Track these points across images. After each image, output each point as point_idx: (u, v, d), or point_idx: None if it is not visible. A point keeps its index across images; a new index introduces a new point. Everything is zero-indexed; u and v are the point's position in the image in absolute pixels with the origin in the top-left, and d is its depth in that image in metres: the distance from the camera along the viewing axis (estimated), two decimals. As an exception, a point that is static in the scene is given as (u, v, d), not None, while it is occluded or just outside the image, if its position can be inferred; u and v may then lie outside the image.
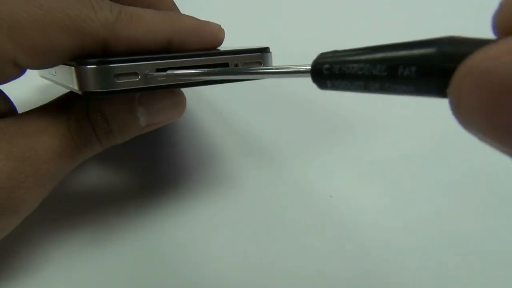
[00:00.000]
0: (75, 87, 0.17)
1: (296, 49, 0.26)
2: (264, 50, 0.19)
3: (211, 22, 0.20)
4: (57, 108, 0.19)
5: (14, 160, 0.17)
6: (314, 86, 0.12)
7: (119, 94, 0.17)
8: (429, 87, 0.09)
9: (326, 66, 0.11)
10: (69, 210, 0.24)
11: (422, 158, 0.27)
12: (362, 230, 0.23)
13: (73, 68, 0.16)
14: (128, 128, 0.20)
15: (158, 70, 0.17)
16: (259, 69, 0.15)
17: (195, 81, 0.18)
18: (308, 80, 0.12)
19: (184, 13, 0.21)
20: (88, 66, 0.16)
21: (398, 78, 0.09)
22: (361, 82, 0.10)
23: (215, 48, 0.20)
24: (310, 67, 0.12)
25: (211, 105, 0.29)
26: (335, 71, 0.11)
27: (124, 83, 0.17)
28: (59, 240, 0.22)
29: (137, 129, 0.20)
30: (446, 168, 0.26)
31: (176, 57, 0.17)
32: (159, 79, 0.17)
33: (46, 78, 0.23)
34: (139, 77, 0.17)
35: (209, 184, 0.25)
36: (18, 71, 0.17)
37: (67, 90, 0.20)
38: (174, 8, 0.23)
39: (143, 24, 0.18)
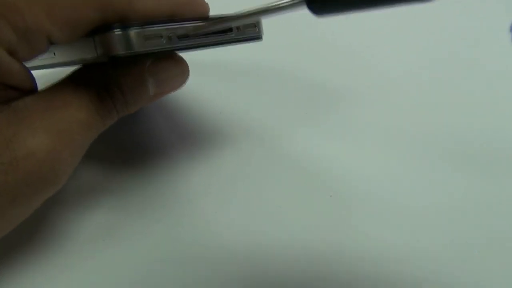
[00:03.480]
0: (100, 54, 0.18)
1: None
2: None
3: None
4: (75, 83, 0.20)
5: (51, 134, 0.18)
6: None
7: (145, 57, 0.19)
8: None
9: None
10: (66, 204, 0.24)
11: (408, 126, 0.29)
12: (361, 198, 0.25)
13: (98, 36, 0.18)
14: (140, 98, 0.22)
15: (178, 33, 0.19)
16: (258, 9, 0.17)
17: (208, 43, 0.20)
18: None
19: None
20: (120, 31, 0.18)
21: None
22: None
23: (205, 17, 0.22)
24: None
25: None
26: None
27: (151, 44, 0.18)
28: (59, 237, 0.23)
29: (147, 99, 0.22)
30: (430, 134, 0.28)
31: (192, 22, 0.19)
32: (179, 40, 0.19)
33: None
34: (163, 39, 0.19)
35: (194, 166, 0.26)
36: (47, 47, 0.18)
37: (64, 70, 0.21)
38: None
39: None
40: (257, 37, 0.21)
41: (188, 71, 0.23)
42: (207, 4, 0.23)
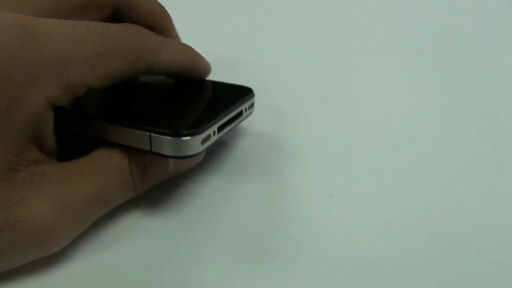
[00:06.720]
0: (155, 151, 0.20)
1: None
2: (251, 91, 0.26)
3: (203, 57, 0.25)
4: (98, 158, 0.21)
5: (57, 205, 0.19)
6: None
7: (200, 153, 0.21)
8: None
9: None
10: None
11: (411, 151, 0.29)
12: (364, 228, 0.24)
13: (159, 136, 0.20)
14: (160, 175, 0.23)
15: (219, 128, 0.22)
16: None
17: (234, 126, 0.24)
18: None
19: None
20: (188, 138, 0.20)
21: None
22: None
23: (204, 78, 0.26)
24: None
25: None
26: None
27: (205, 144, 0.21)
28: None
29: (165, 176, 0.23)
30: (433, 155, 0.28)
31: (225, 114, 0.23)
32: (217, 134, 0.22)
33: None
34: (212, 136, 0.21)
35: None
36: (84, 92, 0.20)
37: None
38: (172, 28, 0.25)
39: (174, 53, 0.21)
40: (252, 111, 0.26)
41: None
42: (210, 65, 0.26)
